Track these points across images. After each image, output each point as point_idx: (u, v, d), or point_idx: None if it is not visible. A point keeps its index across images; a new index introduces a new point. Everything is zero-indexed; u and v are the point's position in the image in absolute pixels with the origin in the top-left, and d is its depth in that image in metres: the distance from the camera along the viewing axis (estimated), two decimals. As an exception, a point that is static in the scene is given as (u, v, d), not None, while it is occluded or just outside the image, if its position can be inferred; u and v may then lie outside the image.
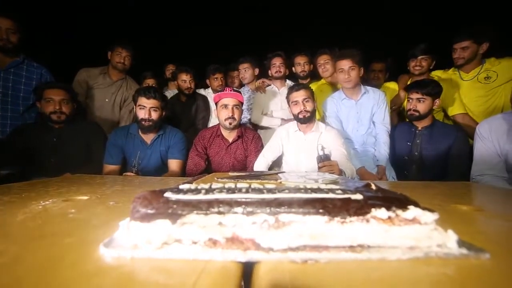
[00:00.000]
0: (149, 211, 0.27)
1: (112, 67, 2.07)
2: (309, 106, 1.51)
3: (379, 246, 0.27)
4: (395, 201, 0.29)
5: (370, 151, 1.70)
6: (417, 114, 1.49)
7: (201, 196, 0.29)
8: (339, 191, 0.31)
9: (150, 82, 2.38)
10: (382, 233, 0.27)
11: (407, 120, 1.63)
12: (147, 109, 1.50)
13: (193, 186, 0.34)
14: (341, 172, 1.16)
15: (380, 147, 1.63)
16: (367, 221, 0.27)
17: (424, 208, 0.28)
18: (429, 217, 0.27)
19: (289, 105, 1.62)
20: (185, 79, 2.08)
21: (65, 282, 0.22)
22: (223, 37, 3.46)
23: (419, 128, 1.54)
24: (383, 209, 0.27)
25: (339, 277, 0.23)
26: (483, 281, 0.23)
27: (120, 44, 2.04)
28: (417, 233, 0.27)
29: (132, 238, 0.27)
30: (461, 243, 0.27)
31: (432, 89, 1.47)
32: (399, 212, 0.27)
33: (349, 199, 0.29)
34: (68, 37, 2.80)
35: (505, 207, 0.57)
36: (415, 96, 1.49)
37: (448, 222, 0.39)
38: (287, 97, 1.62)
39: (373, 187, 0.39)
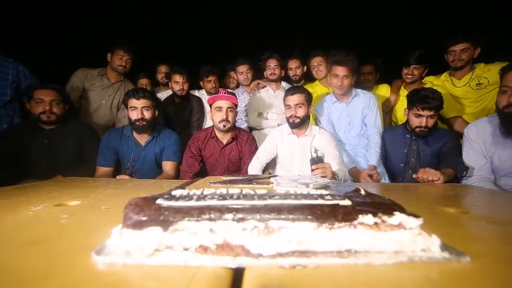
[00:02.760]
0: (141, 218, 0.27)
1: (111, 69, 2.05)
2: (300, 112, 1.52)
3: (366, 251, 0.28)
4: (382, 207, 0.30)
5: (362, 153, 1.72)
6: (427, 130, 1.45)
7: (192, 203, 0.29)
8: (328, 197, 0.32)
9: (143, 82, 2.36)
10: (368, 238, 0.28)
11: (416, 135, 1.54)
12: (139, 109, 1.49)
13: (185, 192, 0.34)
14: (334, 174, 1.17)
15: (371, 147, 1.66)
16: (355, 227, 0.28)
17: (409, 214, 0.29)
18: (414, 222, 0.28)
19: (284, 107, 1.63)
20: (178, 81, 2.06)
21: (58, 289, 0.22)
22: (217, 37, 3.45)
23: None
24: (369, 215, 0.28)
25: (325, 282, 0.24)
26: (463, 283, 0.24)
27: (122, 47, 2.01)
28: (402, 238, 0.28)
29: (124, 245, 0.27)
30: (443, 247, 0.28)
31: (441, 103, 1.44)
32: (385, 218, 0.28)
33: (337, 205, 0.30)
34: (61, 38, 2.76)
35: (490, 209, 0.59)
36: (426, 113, 1.42)
37: (434, 225, 0.40)
38: (284, 99, 1.63)
39: (362, 192, 0.41)
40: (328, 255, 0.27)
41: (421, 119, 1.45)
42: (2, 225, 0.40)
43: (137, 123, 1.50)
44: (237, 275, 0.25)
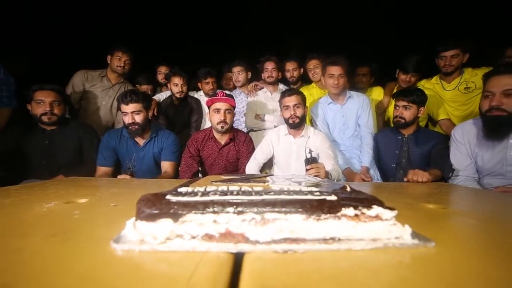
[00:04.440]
0: (154, 211, 0.32)
1: (111, 71, 2.08)
2: (299, 112, 1.57)
3: (348, 239, 0.32)
4: (363, 201, 0.35)
5: (356, 153, 1.78)
6: (403, 121, 1.55)
7: (198, 198, 0.34)
8: (317, 193, 0.37)
9: (145, 88, 2.37)
10: (350, 228, 0.33)
11: (393, 126, 1.68)
12: (129, 114, 1.50)
13: (190, 189, 0.38)
14: (327, 174, 1.22)
15: (364, 149, 1.72)
16: (338, 218, 0.33)
17: (386, 207, 0.34)
18: (389, 214, 0.33)
19: (280, 109, 1.67)
20: (178, 83, 2.08)
21: (83, 270, 0.26)
22: (215, 39, 3.49)
23: (406, 135, 1.61)
24: (351, 208, 0.33)
25: (313, 264, 0.28)
26: (427, 263, 0.28)
27: (121, 49, 2.04)
28: (379, 227, 0.33)
29: (139, 235, 0.31)
30: (414, 235, 0.33)
31: (417, 97, 1.54)
32: (365, 210, 0.33)
33: (324, 200, 0.34)
34: (61, 39, 2.76)
35: (468, 205, 0.64)
36: (401, 103, 1.55)
37: (412, 218, 0.45)
38: (279, 101, 1.67)
39: (348, 189, 0.45)
40: (315, 242, 0.31)
41: (397, 109, 1.58)
42: (20, 220, 0.44)
43: (130, 127, 1.52)
44: (238, 259, 0.29)
